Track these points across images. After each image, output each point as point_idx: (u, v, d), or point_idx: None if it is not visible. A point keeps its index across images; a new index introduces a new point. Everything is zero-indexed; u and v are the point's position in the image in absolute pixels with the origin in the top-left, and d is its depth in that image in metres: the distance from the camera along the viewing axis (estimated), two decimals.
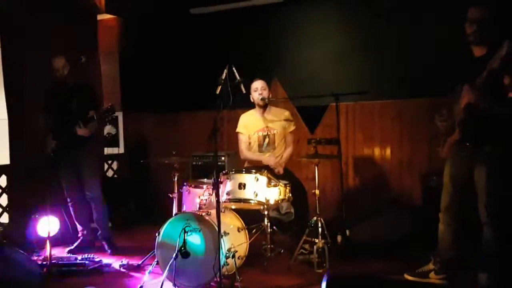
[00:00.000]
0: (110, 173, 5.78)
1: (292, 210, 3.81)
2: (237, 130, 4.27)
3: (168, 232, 3.14)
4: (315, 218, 3.52)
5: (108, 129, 5.88)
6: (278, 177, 3.73)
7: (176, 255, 2.96)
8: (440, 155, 3.16)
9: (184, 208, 3.69)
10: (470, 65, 2.92)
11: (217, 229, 2.86)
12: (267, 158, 4.05)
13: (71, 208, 4.14)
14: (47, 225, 3.61)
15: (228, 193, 3.41)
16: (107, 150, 5.84)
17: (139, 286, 3.09)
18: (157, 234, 3.18)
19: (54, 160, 3.97)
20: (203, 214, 3.15)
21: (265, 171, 3.51)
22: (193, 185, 3.69)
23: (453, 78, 3.07)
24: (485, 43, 2.85)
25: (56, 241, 4.05)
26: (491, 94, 2.70)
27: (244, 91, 3.48)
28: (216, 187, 2.93)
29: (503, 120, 2.79)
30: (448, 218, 3.10)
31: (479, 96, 2.70)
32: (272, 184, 3.45)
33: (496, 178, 2.84)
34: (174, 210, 3.67)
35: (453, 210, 3.08)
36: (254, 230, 3.69)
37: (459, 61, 3.09)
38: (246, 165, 4.24)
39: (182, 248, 2.97)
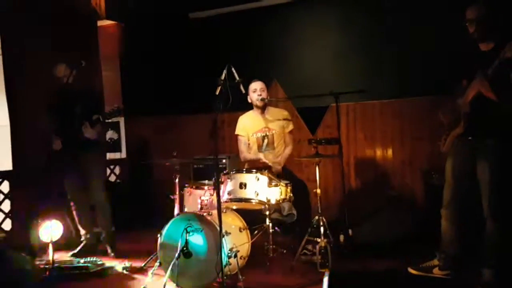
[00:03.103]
0: (112, 178, 5.80)
1: (294, 212, 3.80)
2: (236, 132, 4.27)
3: (170, 232, 3.15)
4: (317, 217, 3.52)
5: (110, 134, 5.91)
6: (279, 177, 3.73)
7: (178, 256, 2.97)
8: (440, 149, 3.16)
9: (185, 209, 3.69)
10: (476, 59, 2.92)
11: (218, 228, 2.86)
12: (264, 157, 4.05)
13: (74, 212, 4.16)
14: (49, 229, 3.62)
15: (229, 193, 3.41)
16: (109, 155, 5.87)
17: (142, 287, 3.09)
18: (159, 235, 3.19)
19: (57, 164, 3.99)
20: (205, 214, 3.16)
21: (266, 171, 3.51)
22: (194, 186, 3.70)
23: (453, 76, 3.09)
24: (491, 39, 2.87)
25: (59, 245, 4.05)
26: (500, 85, 2.70)
27: (243, 91, 3.50)
28: (217, 187, 2.94)
29: (501, 117, 2.79)
30: (450, 213, 3.10)
31: (490, 86, 2.70)
32: (273, 184, 3.45)
33: (499, 173, 2.84)
34: (176, 211, 3.67)
35: (455, 205, 3.07)
36: (256, 231, 3.69)
37: (462, 57, 3.09)
38: (246, 167, 4.24)
39: (184, 248, 2.97)
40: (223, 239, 2.92)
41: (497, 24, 2.86)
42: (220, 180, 3.00)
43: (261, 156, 4.07)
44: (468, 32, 2.91)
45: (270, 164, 3.97)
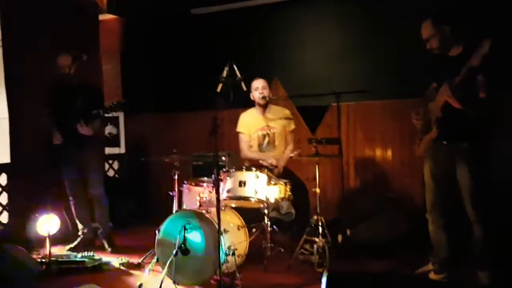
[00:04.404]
0: (111, 173, 5.79)
1: (293, 211, 3.80)
2: (238, 129, 4.27)
3: (168, 229, 3.14)
4: (315, 217, 3.51)
5: (109, 129, 5.90)
6: (278, 175, 3.73)
7: (176, 252, 2.96)
8: (415, 153, 3.15)
9: (184, 206, 3.68)
10: (445, 64, 2.91)
11: (217, 226, 2.85)
12: (267, 158, 4.04)
13: (72, 206, 4.15)
14: (47, 223, 3.61)
15: (228, 191, 3.41)
16: (108, 150, 5.85)
17: (139, 283, 3.08)
18: (157, 232, 3.18)
19: (56, 158, 3.98)
20: (203, 211, 3.15)
21: (265, 169, 3.50)
22: (193, 183, 3.69)
23: (431, 78, 3.08)
24: (455, 45, 2.85)
25: (57, 239, 4.04)
26: (466, 93, 2.68)
27: (245, 89, 3.48)
28: (216, 184, 2.93)
29: (472, 121, 2.78)
30: (435, 217, 3.08)
31: (455, 95, 2.70)
32: (272, 182, 3.44)
33: (478, 175, 2.82)
34: (175, 208, 3.66)
35: (439, 209, 3.05)
36: (254, 229, 3.68)
37: (434, 60, 3.07)
38: (246, 164, 4.22)
39: (182, 245, 2.96)
40: (221, 237, 2.91)
41: (456, 31, 2.84)
42: (219, 177, 2.99)
43: (263, 156, 4.06)
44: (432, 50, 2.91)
45: (271, 166, 3.96)
